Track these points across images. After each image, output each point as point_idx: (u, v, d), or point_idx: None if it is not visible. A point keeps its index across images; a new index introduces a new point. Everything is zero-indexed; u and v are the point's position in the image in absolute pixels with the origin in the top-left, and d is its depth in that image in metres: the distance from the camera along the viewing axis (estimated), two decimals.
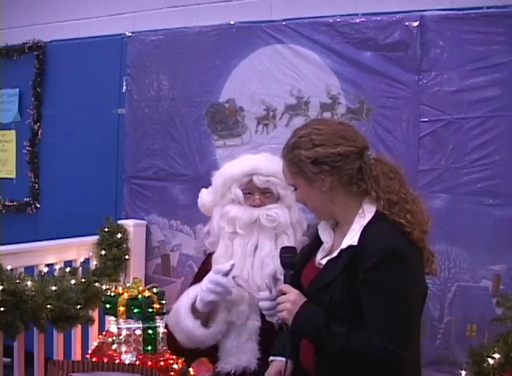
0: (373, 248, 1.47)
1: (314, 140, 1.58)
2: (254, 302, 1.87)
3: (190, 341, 1.92)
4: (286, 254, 1.70)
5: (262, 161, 2.03)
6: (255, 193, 2.01)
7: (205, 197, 2.14)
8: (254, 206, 1.99)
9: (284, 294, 1.62)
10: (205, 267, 2.10)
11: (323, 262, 1.63)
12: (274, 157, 2.07)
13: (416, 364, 1.63)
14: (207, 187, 2.14)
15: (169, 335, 2.08)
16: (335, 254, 1.58)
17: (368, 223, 1.54)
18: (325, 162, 1.57)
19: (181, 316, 1.91)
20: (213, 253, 2.08)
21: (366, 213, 1.56)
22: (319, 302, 1.56)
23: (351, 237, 1.54)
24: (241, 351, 1.93)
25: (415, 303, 1.52)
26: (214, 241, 2.06)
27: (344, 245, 1.55)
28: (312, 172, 1.58)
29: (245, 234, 1.97)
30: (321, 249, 1.69)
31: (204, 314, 1.91)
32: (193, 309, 1.90)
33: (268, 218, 1.96)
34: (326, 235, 1.69)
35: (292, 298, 1.60)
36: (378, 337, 1.45)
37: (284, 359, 1.67)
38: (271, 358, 1.79)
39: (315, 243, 1.73)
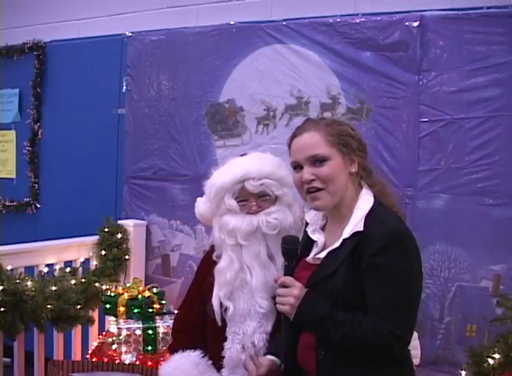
0: (377, 233, 1.49)
1: (352, 127, 1.69)
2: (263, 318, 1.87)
3: None
4: (288, 245, 1.63)
5: (253, 164, 1.91)
6: (250, 199, 1.89)
7: (202, 206, 2.05)
8: (251, 213, 1.88)
9: (285, 287, 1.59)
10: (206, 267, 2.03)
11: (321, 255, 1.62)
12: (265, 155, 2.01)
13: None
14: None
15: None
16: (337, 244, 1.56)
17: (369, 211, 1.56)
18: (365, 148, 1.65)
19: None
20: (212, 251, 2.03)
21: (366, 203, 1.58)
22: (321, 293, 1.55)
23: (355, 224, 1.54)
24: None
25: (419, 287, 1.54)
26: (219, 253, 1.96)
27: (346, 234, 1.54)
28: (353, 149, 1.61)
29: (249, 244, 1.88)
30: (314, 248, 1.67)
31: None
32: None
33: (268, 225, 1.85)
34: (316, 235, 1.68)
35: (296, 293, 1.56)
36: (383, 321, 1.45)
37: (278, 360, 1.65)
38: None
39: (303, 247, 1.70)
